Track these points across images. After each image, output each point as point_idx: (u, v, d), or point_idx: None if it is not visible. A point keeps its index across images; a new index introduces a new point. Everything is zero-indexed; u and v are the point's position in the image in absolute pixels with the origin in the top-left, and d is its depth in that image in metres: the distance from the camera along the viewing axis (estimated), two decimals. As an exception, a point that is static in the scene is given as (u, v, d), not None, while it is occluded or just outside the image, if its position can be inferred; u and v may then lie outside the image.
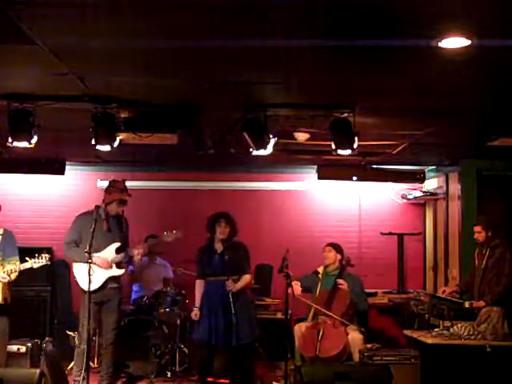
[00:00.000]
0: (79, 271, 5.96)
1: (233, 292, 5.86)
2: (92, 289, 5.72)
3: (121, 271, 6.08)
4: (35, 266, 5.81)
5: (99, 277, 5.90)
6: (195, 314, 6.02)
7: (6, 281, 5.84)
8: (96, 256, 5.83)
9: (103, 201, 6.11)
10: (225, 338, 5.86)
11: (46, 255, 5.82)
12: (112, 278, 6.01)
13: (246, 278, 6.08)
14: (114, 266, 6.02)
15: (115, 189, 6.08)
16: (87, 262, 5.53)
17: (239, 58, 4.00)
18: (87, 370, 5.61)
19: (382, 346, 6.06)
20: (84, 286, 5.79)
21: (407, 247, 8.73)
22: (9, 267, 5.86)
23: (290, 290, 6.19)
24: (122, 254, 6.05)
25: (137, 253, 6.09)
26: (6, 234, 6.11)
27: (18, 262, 5.89)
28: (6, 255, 5.97)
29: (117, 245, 6.03)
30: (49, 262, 5.88)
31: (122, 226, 6.15)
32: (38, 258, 5.79)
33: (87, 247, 5.66)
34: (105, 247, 5.99)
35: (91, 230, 5.62)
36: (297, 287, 6.44)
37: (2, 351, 6.06)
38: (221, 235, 6.03)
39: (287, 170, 8.86)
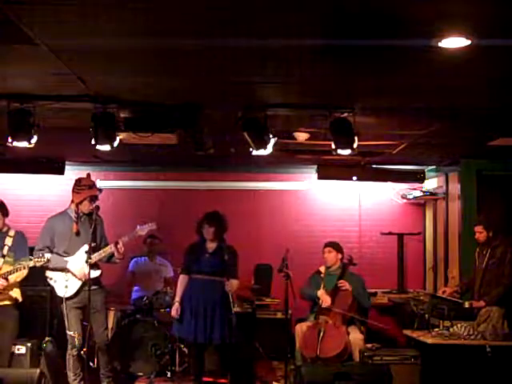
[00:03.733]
0: (53, 277, 5.85)
1: (228, 292, 5.87)
2: (69, 294, 5.69)
3: (97, 272, 5.88)
4: (38, 264, 5.71)
5: (75, 281, 5.76)
6: (176, 309, 5.98)
7: (1, 283, 5.79)
8: (71, 264, 5.74)
9: (72, 201, 5.92)
10: (206, 336, 5.88)
11: (47, 254, 5.73)
12: (89, 281, 5.67)
13: (236, 283, 6.05)
14: (88, 267, 5.70)
15: (84, 186, 5.88)
16: (61, 269, 5.45)
17: (239, 57, 4.00)
18: (84, 371, 5.62)
19: (382, 346, 6.06)
20: (60, 292, 5.74)
21: (407, 247, 8.73)
22: (5, 269, 5.83)
23: (324, 304, 6.30)
24: (98, 254, 5.82)
25: (120, 245, 5.82)
26: (18, 235, 6.02)
27: (31, 257, 5.82)
28: (17, 257, 5.88)
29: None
30: (49, 262, 5.73)
31: (96, 224, 5.82)
32: (40, 258, 5.74)
33: (87, 248, 5.65)
34: (76, 250, 5.81)
35: (91, 230, 5.59)
36: (326, 298, 6.36)
37: (8, 351, 6.04)
38: (207, 236, 6.06)
39: (287, 170, 8.86)
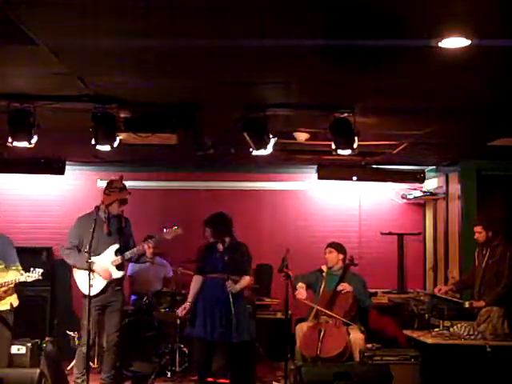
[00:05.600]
0: (79, 276, 5.91)
1: (232, 292, 5.84)
2: (93, 293, 5.69)
3: (121, 273, 5.99)
4: (29, 279, 5.75)
5: (100, 281, 5.84)
6: (184, 307, 5.96)
7: None
8: (97, 264, 5.77)
9: (102, 202, 5.98)
10: (221, 335, 5.85)
11: (39, 270, 5.75)
12: (113, 281, 5.94)
13: (246, 280, 6.05)
14: (114, 268, 5.94)
15: (114, 189, 5.97)
16: (88, 269, 5.51)
17: (239, 57, 4.00)
18: (87, 371, 5.61)
19: (382, 346, 6.06)
20: (85, 290, 5.75)
21: (407, 247, 8.72)
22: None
23: (297, 295, 6.28)
24: (126, 254, 5.96)
25: (147, 247, 5.94)
26: (2, 239, 5.94)
27: (19, 268, 5.86)
28: (9, 262, 5.89)
29: (115, 247, 5.95)
30: (40, 277, 5.78)
31: (123, 226, 6.07)
32: (32, 273, 5.74)
33: (87, 248, 5.66)
34: (104, 250, 5.91)
35: (91, 230, 5.62)
36: (302, 291, 6.39)
37: (5, 356, 6.04)
38: (208, 238, 6.06)
39: (287, 169, 8.86)
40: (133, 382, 6.68)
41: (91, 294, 5.66)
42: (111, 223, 5.98)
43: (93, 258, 5.79)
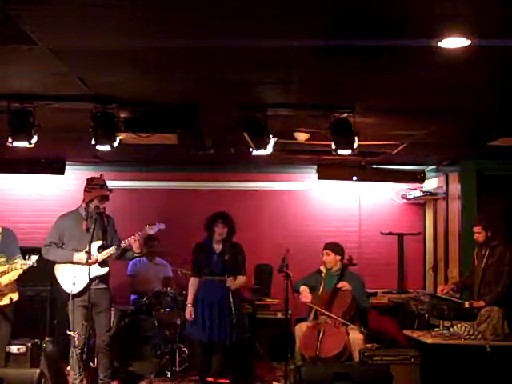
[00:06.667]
0: (61, 274, 5.89)
1: (232, 290, 5.84)
2: (76, 291, 5.69)
3: (104, 270, 5.92)
4: (24, 267, 5.79)
5: (83, 278, 5.73)
6: (190, 312, 5.95)
7: None
8: (77, 255, 5.78)
9: (83, 200, 5.97)
10: (220, 336, 5.86)
11: (34, 256, 5.78)
12: (96, 278, 5.84)
13: (242, 279, 6.05)
14: (97, 265, 5.84)
15: (95, 186, 5.94)
16: (86, 263, 5.50)
17: (239, 57, 4.00)
18: (85, 370, 5.62)
19: (382, 346, 6.06)
20: (68, 288, 5.75)
21: (407, 247, 8.73)
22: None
23: (302, 298, 6.30)
24: (106, 252, 5.90)
25: (133, 240, 5.89)
26: (6, 232, 6.05)
27: (20, 260, 5.88)
28: (9, 255, 5.94)
29: (98, 243, 5.89)
30: (35, 264, 5.80)
31: (105, 223, 5.99)
32: (27, 260, 5.78)
33: (87, 247, 5.66)
34: (84, 247, 5.82)
35: (91, 230, 5.61)
36: (306, 294, 6.38)
37: (2, 352, 6.05)
38: (219, 236, 6.01)
39: (287, 169, 8.87)
40: (132, 382, 6.68)
41: (74, 292, 5.66)
42: (93, 221, 5.88)
43: (75, 255, 5.83)
